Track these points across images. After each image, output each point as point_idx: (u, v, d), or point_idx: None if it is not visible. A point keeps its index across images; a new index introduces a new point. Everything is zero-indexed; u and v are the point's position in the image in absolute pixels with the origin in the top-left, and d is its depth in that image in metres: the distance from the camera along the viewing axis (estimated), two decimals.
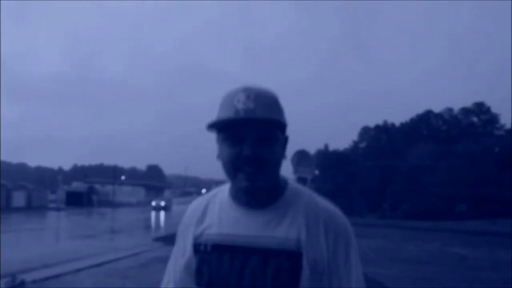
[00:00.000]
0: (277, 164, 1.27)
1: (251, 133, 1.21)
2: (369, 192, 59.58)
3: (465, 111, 70.13)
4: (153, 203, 59.91)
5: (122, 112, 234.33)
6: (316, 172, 63.54)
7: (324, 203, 1.33)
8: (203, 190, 70.48)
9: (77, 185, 71.84)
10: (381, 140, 72.52)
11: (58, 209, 50.25)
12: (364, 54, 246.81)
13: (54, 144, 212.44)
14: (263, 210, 1.29)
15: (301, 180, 16.30)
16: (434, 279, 10.85)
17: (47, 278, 9.39)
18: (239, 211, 1.31)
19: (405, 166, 57.28)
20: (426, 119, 72.48)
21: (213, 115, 1.26)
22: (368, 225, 36.43)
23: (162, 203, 59.14)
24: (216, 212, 1.34)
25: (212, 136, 1.32)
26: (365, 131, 77.04)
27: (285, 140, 1.32)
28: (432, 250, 18.11)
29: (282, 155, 1.30)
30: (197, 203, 1.44)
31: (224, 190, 1.39)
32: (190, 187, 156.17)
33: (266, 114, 1.21)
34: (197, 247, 1.33)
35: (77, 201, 60.11)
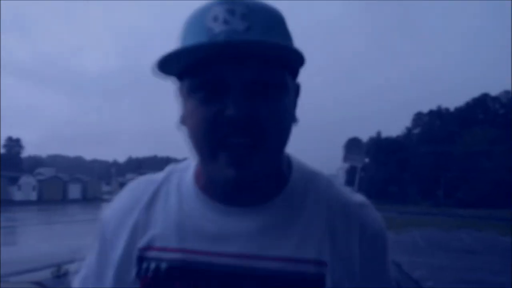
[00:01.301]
0: (284, 132, 0.74)
1: (239, 77, 0.69)
2: (423, 179, 58.16)
3: None
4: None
5: (175, 105, 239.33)
6: (366, 160, 62.85)
7: (353, 194, 0.85)
8: None
9: (131, 177, 73.75)
10: (435, 126, 70.47)
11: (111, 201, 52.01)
12: (416, 37, 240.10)
13: (110, 137, 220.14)
14: (257, 210, 0.78)
15: (352, 169, 16.03)
16: (484, 270, 10.38)
17: None
18: (215, 212, 0.78)
19: (460, 152, 55.41)
20: (482, 103, 69.77)
21: None
22: (421, 213, 36.19)
23: None
24: (173, 211, 0.80)
25: None
26: (418, 117, 75.24)
27: (296, 89, 0.79)
28: (486, 240, 17.39)
29: (291, 117, 0.77)
30: (132, 191, 0.86)
31: (183, 172, 0.85)
32: None
33: (265, 37, 0.69)
34: (142, 269, 0.78)
35: None
